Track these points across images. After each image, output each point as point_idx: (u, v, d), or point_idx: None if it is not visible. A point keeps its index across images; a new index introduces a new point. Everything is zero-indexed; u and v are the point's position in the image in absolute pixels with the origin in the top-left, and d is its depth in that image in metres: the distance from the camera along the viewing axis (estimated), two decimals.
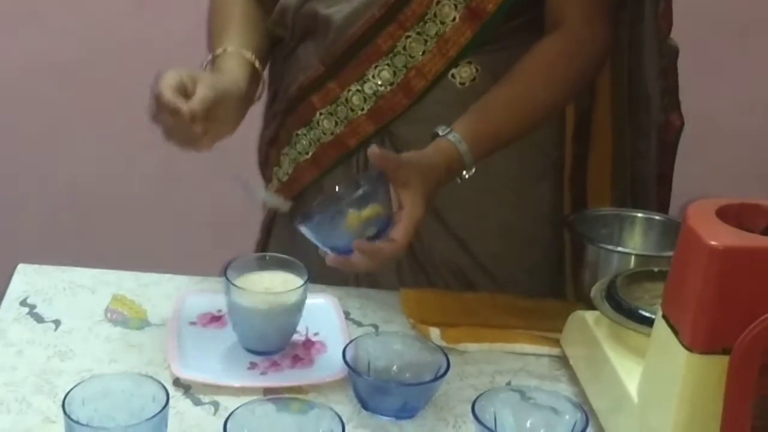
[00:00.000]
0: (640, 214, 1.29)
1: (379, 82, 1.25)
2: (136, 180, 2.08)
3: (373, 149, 1.09)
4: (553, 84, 1.23)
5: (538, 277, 1.37)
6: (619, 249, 1.21)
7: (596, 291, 1.08)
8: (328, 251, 1.08)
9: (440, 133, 1.17)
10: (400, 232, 1.07)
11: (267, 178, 1.42)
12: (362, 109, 1.27)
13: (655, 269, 1.10)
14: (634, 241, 1.27)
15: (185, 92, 1.11)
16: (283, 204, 1.16)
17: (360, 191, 1.06)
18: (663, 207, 1.40)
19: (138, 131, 1.85)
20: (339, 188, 1.14)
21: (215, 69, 1.24)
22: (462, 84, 1.24)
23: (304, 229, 1.07)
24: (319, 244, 1.08)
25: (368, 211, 1.05)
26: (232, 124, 1.19)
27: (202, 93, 1.11)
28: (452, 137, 1.16)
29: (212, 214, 2.04)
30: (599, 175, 1.40)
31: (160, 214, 2.08)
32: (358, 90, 1.27)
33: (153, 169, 2.05)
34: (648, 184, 1.39)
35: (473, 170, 1.18)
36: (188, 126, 1.10)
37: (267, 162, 1.42)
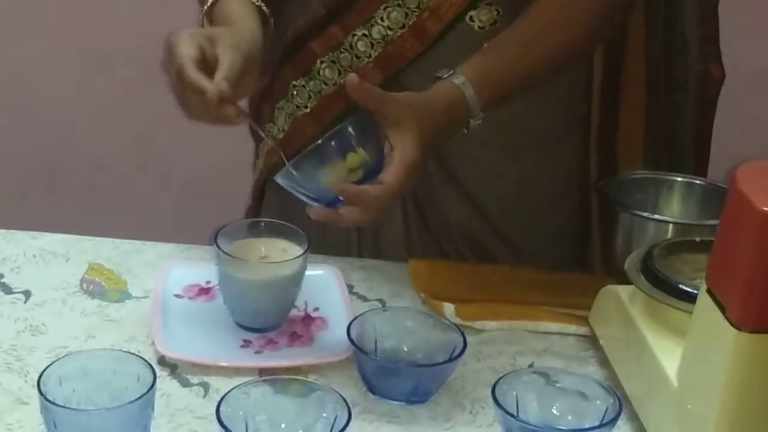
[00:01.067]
0: (678, 178, 1.27)
1: (388, 25, 1.23)
2: (113, 137, 2.06)
3: (351, 79, 1.04)
4: (574, 24, 1.20)
5: (563, 248, 1.36)
6: (656, 216, 1.19)
7: (631, 263, 1.07)
8: (313, 204, 1.05)
9: (442, 76, 1.14)
10: (390, 174, 1.02)
11: (259, 136, 1.41)
12: (369, 57, 1.25)
13: (697, 239, 1.09)
14: (672, 207, 1.26)
15: (204, 58, 1.06)
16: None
17: (345, 134, 1.02)
18: (701, 170, 1.38)
19: (113, 82, 1.85)
20: (323, 137, 1.10)
21: (224, 18, 1.19)
22: (481, 28, 1.22)
23: (283, 180, 1.03)
24: (301, 196, 1.04)
25: (353, 157, 1.01)
26: (253, 82, 1.14)
27: (227, 64, 1.06)
28: (456, 79, 1.12)
29: (198, 175, 2.03)
30: (630, 135, 1.38)
31: (141, 175, 2.06)
32: (364, 34, 1.24)
33: (131, 125, 2.04)
34: (684, 144, 1.37)
35: (480, 119, 1.13)
36: (217, 107, 1.05)
37: (259, 118, 1.40)
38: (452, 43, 1.23)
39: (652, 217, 1.19)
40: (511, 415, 0.95)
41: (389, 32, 1.23)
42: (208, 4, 1.20)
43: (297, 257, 1.09)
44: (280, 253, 1.11)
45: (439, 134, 1.10)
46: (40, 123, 2.08)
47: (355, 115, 1.04)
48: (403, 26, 1.23)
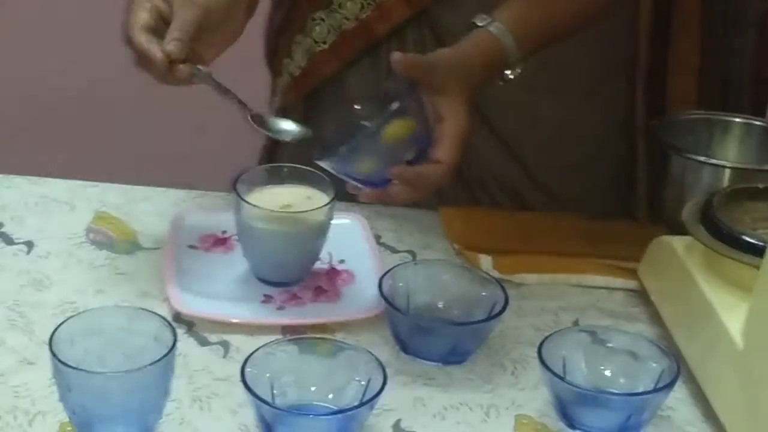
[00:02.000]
0: (736, 119, 1.26)
1: None
2: (114, 71, 2.04)
3: (396, 57, 1.05)
4: None
5: (606, 196, 1.35)
6: (712, 161, 1.18)
7: (689, 212, 1.06)
8: (360, 185, 1.05)
9: (479, 24, 1.13)
10: (446, 151, 1.03)
11: (276, 71, 1.39)
12: None
13: (760, 185, 1.08)
14: (728, 151, 1.25)
15: (163, 19, 1.08)
16: (300, 132, 1.11)
17: (388, 107, 1.01)
18: (760, 114, 1.37)
19: (116, 10, 1.80)
20: (360, 106, 1.09)
21: None
22: None
23: (326, 163, 1.03)
24: (347, 179, 1.05)
25: (400, 127, 1.02)
26: (234, 29, 1.15)
27: (178, 23, 1.07)
28: (494, 28, 1.11)
29: (208, 113, 2.01)
30: (682, 78, 1.36)
31: (148, 115, 2.05)
32: None
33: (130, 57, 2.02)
34: (742, 87, 1.35)
35: (519, 70, 1.14)
36: (169, 69, 1.07)
37: (275, 53, 1.39)
38: None
39: (708, 161, 1.18)
40: (559, 377, 0.95)
41: None
42: None
43: (323, 206, 1.08)
44: (304, 201, 1.10)
45: (478, 90, 1.10)
46: (36, 57, 2.06)
47: (394, 84, 1.04)
48: None
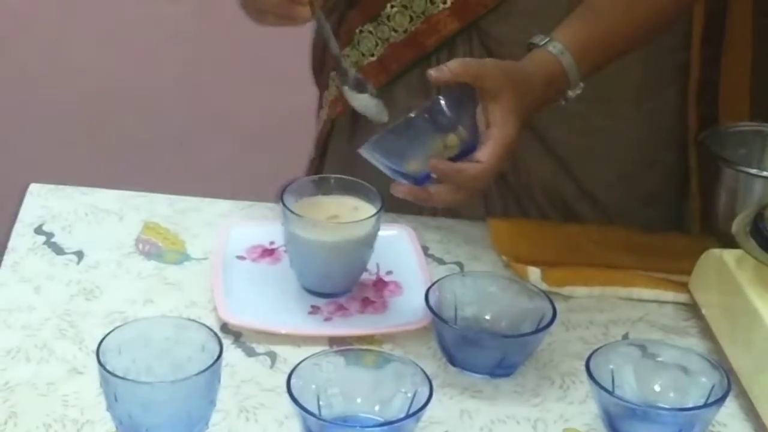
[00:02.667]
0: None
1: None
2: (162, 82, 2.06)
3: (450, 66, 1.03)
4: None
5: (657, 208, 1.34)
6: (765, 173, 1.17)
7: (739, 225, 1.05)
8: (399, 179, 1.05)
9: (538, 43, 1.12)
10: (487, 152, 1.03)
11: (323, 84, 1.40)
12: (444, 2, 1.23)
13: None
14: None
15: None
16: (379, 111, 1.11)
17: (438, 109, 1.02)
18: None
19: (161, 21, 1.83)
20: (413, 113, 1.09)
21: None
22: None
23: (367, 152, 1.03)
24: (388, 171, 1.05)
25: (451, 137, 1.02)
26: None
27: None
28: (553, 48, 1.11)
29: (256, 124, 2.03)
30: (735, 85, 1.35)
31: (198, 126, 2.06)
32: None
33: (181, 69, 2.03)
34: None
35: (580, 89, 1.13)
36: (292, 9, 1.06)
37: (322, 66, 1.39)
38: None
39: (760, 173, 1.17)
40: (608, 392, 0.94)
41: None
42: None
43: (370, 217, 1.08)
44: (351, 211, 1.10)
45: (536, 109, 1.10)
46: (80, 68, 2.08)
47: (448, 91, 1.03)
48: None
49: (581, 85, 1.13)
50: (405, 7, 1.25)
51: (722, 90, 1.35)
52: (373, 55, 1.29)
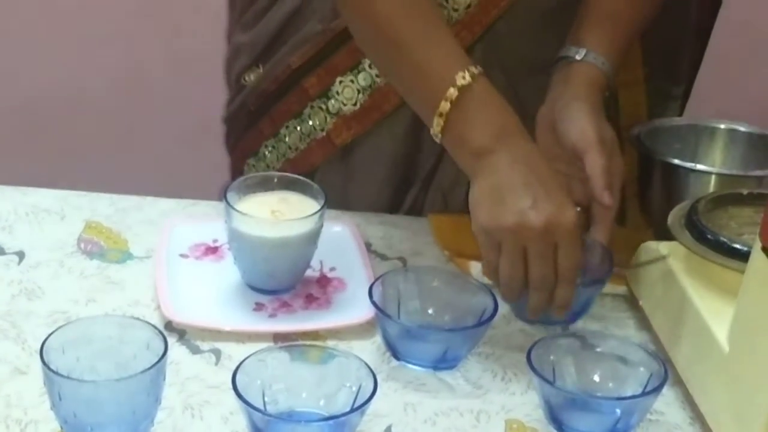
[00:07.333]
0: (721, 126, 1.26)
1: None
2: (100, 79, 2.04)
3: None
4: None
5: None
6: (698, 167, 1.18)
7: (674, 218, 1.06)
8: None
9: (577, 57, 1.13)
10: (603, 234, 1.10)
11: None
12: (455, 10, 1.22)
13: (744, 191, 1.08)
14: (714, 157, 1.25)
15: None
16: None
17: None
18: (695, 66, 1.38)
19: (100, 18, 1.80)
20: None
21: None
22: None
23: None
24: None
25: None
26: None
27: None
28: (593, 59, 1.13)
29: (199, 125, 2.01)
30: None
31: (138, 124, 2.04)
32: None
33: (122, 64, 2.01)
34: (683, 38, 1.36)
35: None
36: None
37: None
38: None
39: (693, 168, 1.18)
40: (548, 382, 0.95)
41: None
42: None
43: (314, 213, 1.09)
44: (294, 208, 1.10)
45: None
46: (23, 66, 2.06)
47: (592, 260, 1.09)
48: None
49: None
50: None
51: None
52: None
